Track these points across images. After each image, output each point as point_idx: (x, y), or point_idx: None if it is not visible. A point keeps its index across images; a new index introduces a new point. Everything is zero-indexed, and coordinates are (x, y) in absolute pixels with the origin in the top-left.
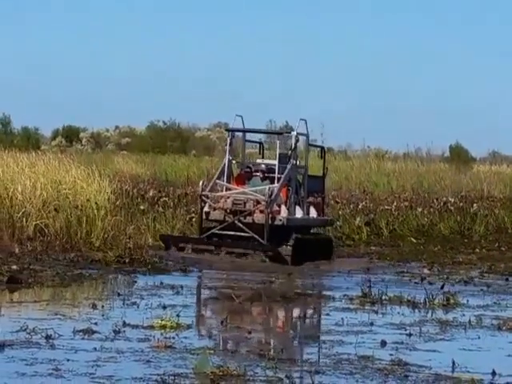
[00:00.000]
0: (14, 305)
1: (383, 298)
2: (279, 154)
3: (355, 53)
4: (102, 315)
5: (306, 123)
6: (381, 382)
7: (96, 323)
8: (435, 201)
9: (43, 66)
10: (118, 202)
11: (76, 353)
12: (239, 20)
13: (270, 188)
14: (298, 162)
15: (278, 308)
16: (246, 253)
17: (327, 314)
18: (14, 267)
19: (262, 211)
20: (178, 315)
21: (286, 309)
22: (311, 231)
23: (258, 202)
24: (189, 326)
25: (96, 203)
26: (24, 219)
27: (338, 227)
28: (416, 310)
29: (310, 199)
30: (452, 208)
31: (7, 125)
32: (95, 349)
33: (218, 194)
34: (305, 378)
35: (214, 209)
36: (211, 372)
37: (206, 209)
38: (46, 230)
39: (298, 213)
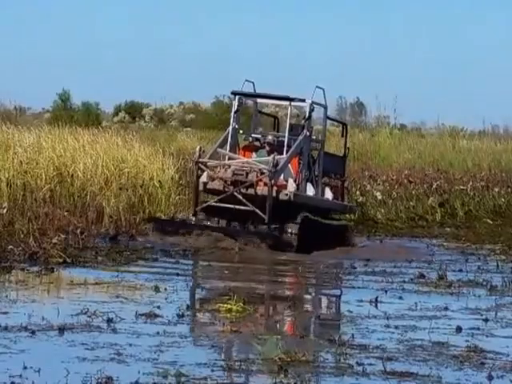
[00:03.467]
0: (75, 287)
1: (459, 281)
2: (291, 125)
3: (429, 27)
4: (165, 298)
5: (324, 92)
6: (456, 369)
7: (159, 307)
8: None
9: (103, 40)
10: (181, 181)
11: (138, 337)
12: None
13: (275, 157)
14: (313, 136)
15: (347, 293)
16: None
17: (400, 298)
18: (73, 248)
19: (266, 183)
20: (244, 299)
21: (355, 293)
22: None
23: (263, 173)
24: (255, 311)
25: (159, 182)
26: (88, 198)
27: (411, 207)
28: (492, 295)
29: (327, 180)
30: None
31: (66, 100)
32: (158, 333)
33: (217, 161)
34: (376, 364)
35: (213, 179)
36: (279, 358)
37: (203, 178)
38: (108, 210)
39: (310, 191)
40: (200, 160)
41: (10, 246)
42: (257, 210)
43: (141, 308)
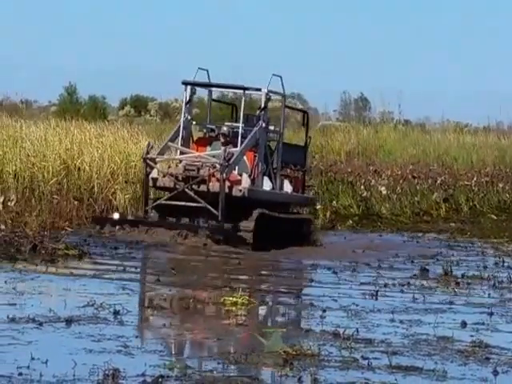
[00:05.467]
0: (81, 278)
1: (463, 276)
2: (246, 116)
3: (435, 22)
4: (170, 290)
5: (282, 80)
6: (461, 364)
7: (165, 299)
8: None
9: (113, 34)
10: None
11: (144, 329)
12: None
13: (227, 150)
14: (273, 127)
15: (352, 286)
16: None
17: (402, 292)
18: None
19: (218, 179)
20: (249, 292)
21: (360, 287)
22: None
23: (215, 168)
24: (260, 303)
25: None
26: (96, 190)
27: (416, 202)
28: (497, 290)
29: (287, 172)
30: None
31: (73, 93)
32: (164, 325)
33: (166, 157)
34: (382, 358)
35: (164, 175)
36: (284, 351)
37: (153, 175)
38: (115, 203)
39: (266, 185)
40: (148, 156)
41: (17, 238)
42: (208, 207)
43: (146, 300)
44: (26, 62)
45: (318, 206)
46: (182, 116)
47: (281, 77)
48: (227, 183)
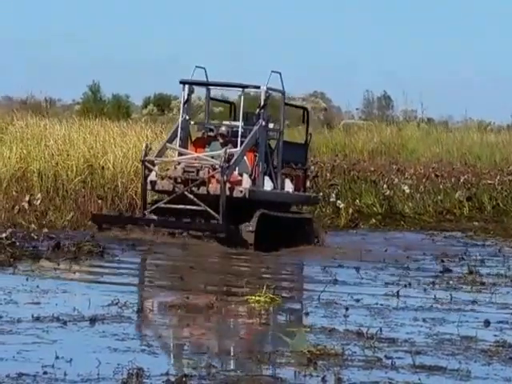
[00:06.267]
0: (106, 277)
1: (488, 275)
2: (245, 114)
3: (457, 21)
4: (192, 289)
5: (281, 76)
6: (484, 364)
7: (188, 297)
8: None
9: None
10: None
11: (167, 329)
12: None
13: (227, 151)
14: (273, 125)
15: (374, 285)
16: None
17: (424, 290)
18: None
19: (218, 180)
20: (273, 290)
21: (382, 286)
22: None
23: (215, 169)
24: (284, 302)
25: None
26: (120, 189)
27: (439, 201)
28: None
29: (287, 171)
30: None
31: (97, 92)
32: (188, 324)
33: (165, 159)
34: (405, 358)
35: (162, 178)
36: (308, 351)
37: (151, 177)
38: (139, 202)
39: (267, 185)
40: (146, 158)
41: (42, 237)
42: (209, 210)
43: (170, 299)
44: (50, 59)
45: (341, 205)
46: (180, 116)
47: (280, 73)
48: (227, 184)
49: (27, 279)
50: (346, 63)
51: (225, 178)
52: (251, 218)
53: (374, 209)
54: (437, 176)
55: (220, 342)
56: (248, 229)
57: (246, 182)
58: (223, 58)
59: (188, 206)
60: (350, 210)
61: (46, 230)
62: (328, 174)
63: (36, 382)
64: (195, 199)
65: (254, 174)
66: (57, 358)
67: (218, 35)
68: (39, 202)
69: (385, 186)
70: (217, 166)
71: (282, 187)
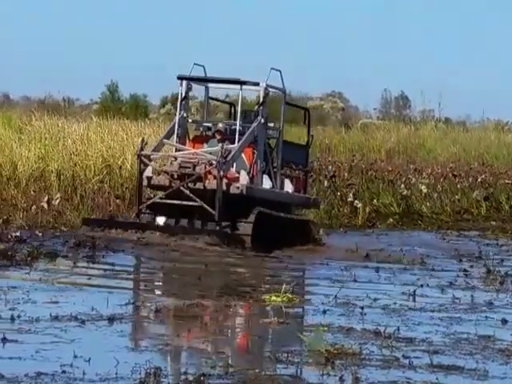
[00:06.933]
0: (123, 275)
1: (506, 274)
2: (244, 111)
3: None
4: (209, 289)
5: (281, 74)
6: (502, 363)
7: (203, 296)
8: None
9: (152, 35)
10: None
11: (184, 328)
12: None
13: (223, 146)
14: (273, 124)
15: (389, 284)
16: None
17: (442, 290)
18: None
19: (215, 176)
20: (292, 290)
21: (398, 285)
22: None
23: (211, 165)
24: (301, 302)
25: None
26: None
27: (457, 201)
28: None
29: (287, 171)
30: None
31: (115, 91)
32: (206, 324)
33: (161, 154)
34: (423, 357)
35: (158, 173)
36: (325, 350)
37: (147, 173)
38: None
39: (266, 183)
40: (142, 153)
41: (59, 235)
42: (205, 206)
43: (187, 299)
44: (68, 58)
45: (359, 205)
46: (178, 113)
47: (280, 71)
48: (224, 180)
49: (48, 279)
50: (363, 63)
51: (221, 173)
52: (248, 216)
53: (392, 208)
54: (454, 176)
55: (238, 342)
56: (245, 230)
57: (244, 179)
58: (244, 57)
59: (184, 202)
60: (368, 210)
61: (64, 228)
62: (346, 174)
63: (54, 381)
64: (191, 195)
65: (252, 171)
66: (75, 357)
67: (244, 37)
68: (58, 201)
69: (402, 185)
70: (213, 162)
71: (282, 187)
